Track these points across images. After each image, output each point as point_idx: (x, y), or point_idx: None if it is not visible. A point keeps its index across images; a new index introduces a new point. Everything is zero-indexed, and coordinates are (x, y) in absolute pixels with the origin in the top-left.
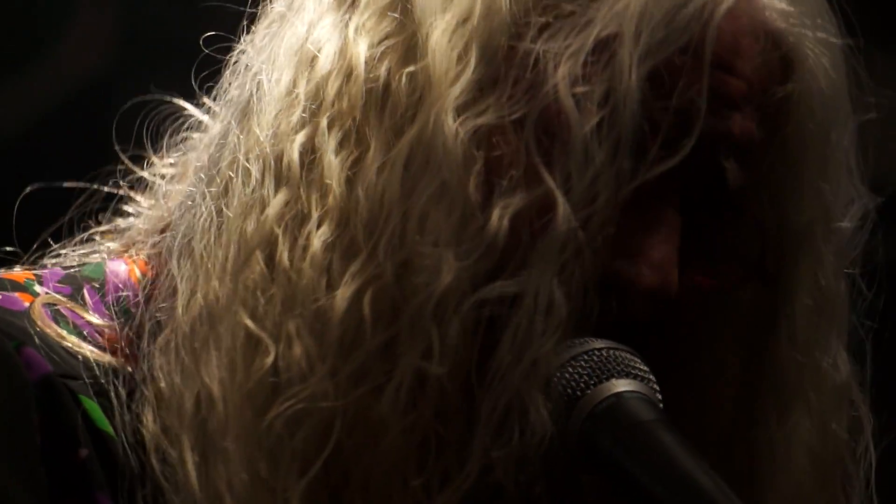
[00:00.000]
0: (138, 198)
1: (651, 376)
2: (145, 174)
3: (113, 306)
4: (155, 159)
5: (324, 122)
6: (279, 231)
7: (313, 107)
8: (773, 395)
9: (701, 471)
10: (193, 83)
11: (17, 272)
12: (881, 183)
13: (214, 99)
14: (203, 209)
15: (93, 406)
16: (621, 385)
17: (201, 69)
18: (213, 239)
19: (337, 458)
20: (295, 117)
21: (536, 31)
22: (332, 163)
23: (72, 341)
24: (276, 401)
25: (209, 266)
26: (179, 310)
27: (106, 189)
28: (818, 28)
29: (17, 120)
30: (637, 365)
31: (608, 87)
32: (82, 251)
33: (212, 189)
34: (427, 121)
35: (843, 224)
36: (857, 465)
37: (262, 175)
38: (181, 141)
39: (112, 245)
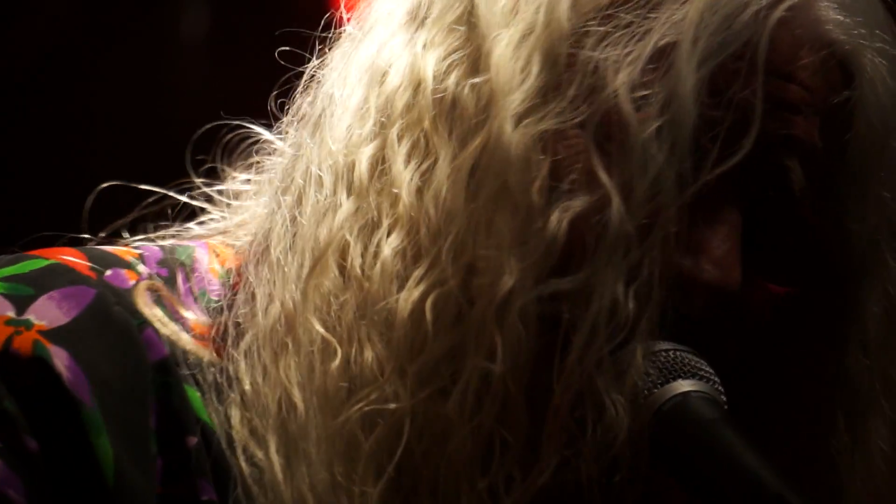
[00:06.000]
0: (210, 209)
1: (715, 377)
2: (218, 189)
3: (199, 298)
4: (230, 174)
5: (393, 134)
6: (350, 238)
7: (383, 119)
8: (849, 402)
9: (764, 466)
10: (273, 108)
11: (122, 249)
12: None
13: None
14: (279, 217)
15: (194, 395)
16: (686, 385)
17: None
18: (288, 246)
19: (408, 460)
20: (366, 129)
21: (596, 40)
22: (402, 172)
23: (172, 329)
24: (348, 403)
25: (286, 271)
26: (259, 315)
27: (180, 198)
28: (876, 38)
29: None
30: (702, 366)
31: (667, 93)
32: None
33: (286, 198)
34: (492, 129)
35: None
36: None
37: (334, 184)
38: (254, 163)
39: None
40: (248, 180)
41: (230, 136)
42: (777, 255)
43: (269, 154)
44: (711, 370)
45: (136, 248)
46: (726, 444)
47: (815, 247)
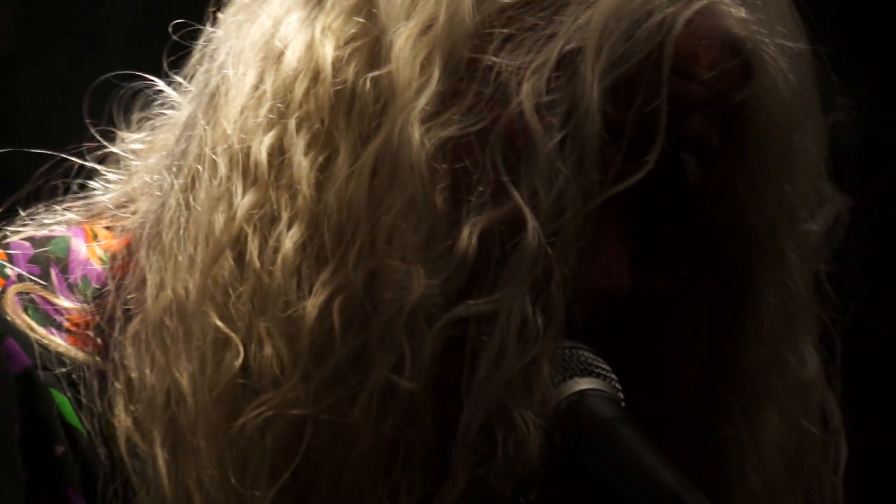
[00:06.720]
0: (105, 172)
1: (612, 374)
2: (114, 149)
3: (78, 288)
4: (123, 134)
5: (292, 123)
6: (249, 230)
7: (281, 106)
8: (742, 393)
9: (663, 465)
10: (164, 66)
11: None
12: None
13: (186, 79)
14: (171, 200)
15: (62, 400)
16: (584, 383)
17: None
18: (181, 231)
19: (306, 464)
20: (262, 114)
21: (499, 43)
22: (302, 164)
23: (41, 333)
24: (247, 404)
25: (178, 259)
26: (149, 301)
27: (73, 160)
28: (777, 34)
29: None
30: (598, 363)
31: (571, 103)
32: (45, 221)
33: (179, 180)
34: (392, 130)
35: (810, 226)
36: (826, 465)
37: (230, 170)
38: (151, 118)
39: (73, 216)
40: (144, 139)
41: (123, 90)
42: (671, 250)
43: (165, 108)
44: (608, 367)
45: (4, 247)
46: (624, 444)
47: (710, 240)
